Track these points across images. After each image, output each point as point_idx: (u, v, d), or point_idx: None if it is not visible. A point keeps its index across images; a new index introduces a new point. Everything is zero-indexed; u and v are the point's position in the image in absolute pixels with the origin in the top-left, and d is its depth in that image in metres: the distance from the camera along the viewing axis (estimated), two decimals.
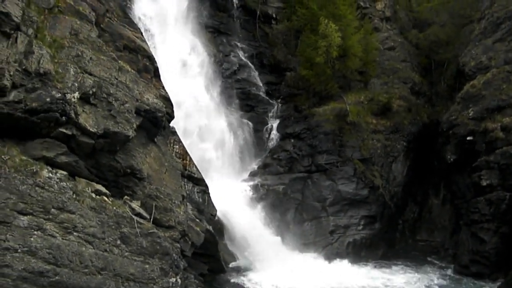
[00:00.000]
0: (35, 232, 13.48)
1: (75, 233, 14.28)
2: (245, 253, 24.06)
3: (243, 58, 31.63)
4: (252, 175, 28.13)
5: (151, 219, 16.79)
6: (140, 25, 23.63)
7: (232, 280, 22.03)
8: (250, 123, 29.91)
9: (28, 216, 13.48)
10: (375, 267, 25.76)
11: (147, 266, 15.62)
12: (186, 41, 28.47)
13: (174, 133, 21.34)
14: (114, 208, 15.55)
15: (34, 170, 14.18)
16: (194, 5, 30.07)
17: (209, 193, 21.62)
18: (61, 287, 13.49)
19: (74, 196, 14.68)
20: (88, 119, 15.64)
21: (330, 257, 25.37)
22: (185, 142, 22.17)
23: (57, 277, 13.46)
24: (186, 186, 20.29)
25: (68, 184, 14.75)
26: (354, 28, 31.38)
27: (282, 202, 26.95)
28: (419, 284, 23.11)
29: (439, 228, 29.86)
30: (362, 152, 29.07)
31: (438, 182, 30.52)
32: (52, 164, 15.00)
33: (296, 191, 27.59)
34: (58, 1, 16.94)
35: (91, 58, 16.40)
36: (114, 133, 16.17)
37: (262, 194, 26.69)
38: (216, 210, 21.79)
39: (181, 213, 18.19)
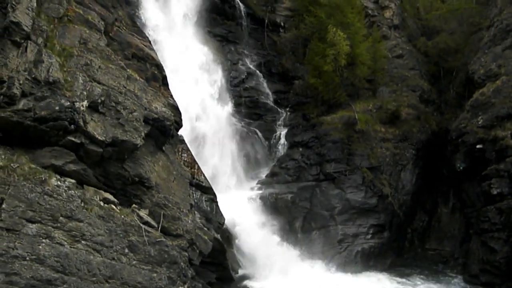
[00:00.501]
0: (44, 240, 13.49)
1: (83, 242, 14.27)
2: (254, 262, 23.94)
3: (251, 66, 31.69)
4: (260, 183, 28.05)
5: (159, 228, 16.77)
6: (148, 34, 23.73)
7: None
8: (258, 131, 29.88)
9: (36, 224, 13.50)
10: (384, 276, 25.53)
11: (155, 274, 15.57)
12: (194, 50, 28.56)
13: (182, 141, 21.36)
14: (122, 216, 15.54)
15: (43, 178, 14.22)
16: (203, 13, 30.20)
17: (217, 202, 21.58)
18: None
19: (82, 205, 14.69)
20: (97, 128, 15.69)
21: (338, 266, 25.18)
22: (193, 150, 22.17)
23: (65, 286, 13.45)
24: (194, 195, 20.27)
25: (76, 192, 14.77)
26: (363, 36, 31.38)
27: (290, 210, 26.83)
28: None
29: (449, 237, 29.58)
30: (371, 161, 28.92)
31: (448, 191, 30.27)
32: (61, 172, 15.04)
33: (304, 200, 27.46)
34: (68, 10, 17.07)
35: (99, 66, 16.49)
36: (122, 141, 16.20)
37: (270, 203, 26.59)
38: (224, 219, 21.74)
39: (189, 221, 18.15)
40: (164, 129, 18.41)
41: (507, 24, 28.29)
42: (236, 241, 23.87)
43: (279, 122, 31.11)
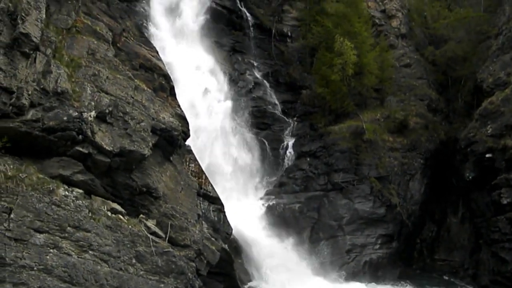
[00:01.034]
0: (51, 250, 13.49)
1: (90, 252, 14.26)
2: (261, 272, 23.80)
3: (258, 76, 31.72)
4: (268, 193, 27.97)
5: (167, 238, 16.74)
6: (155, 44, 23.85)
7: None
8: (265, 141, 29.84)
9: (44, 234, 13.51)
10: (392, 287, 25.29)
11: (162, 285, 15.52)
12: (201, 60, 28.66)
13: (189, 151, 21.36)
14: (130, 226, 15.53)
15: (51, 188, 14.25)
16: (210, 24, 30.33)
17: (224, 212, 21.52)
18: None
19: (90, 215, 14.70)
20: (104, 138, 15.73)
21: (346, 277, 24.99)
22: (200, 160, 22.17)
23: None
24: (201, 205, 20.23)
25: (84, 202, 14.79)
26: (370, 46, 31.37)
27: (298, 221, 26.72)
28: None
29: (458, 247, 29.30)
30: (379, 170, 28.79)
31: (457, 200, 30.03)
32: (69, 182, 15.09)
33: (312, 210, 27.35)
34: (76, 21, 17.21)
35: (107, 77, 16.58)
36: (130, 151, 16.23)
37: (278, 213, 26.49)
38: (231, 229, 21.67)
39: (197, 232, 18.10)
40: (172, 139, 18.43)
41: None
42: (244, 251, 23.75)
43: (287, 132, 31.05)
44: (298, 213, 26.98)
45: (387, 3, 36.50)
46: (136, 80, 17.89)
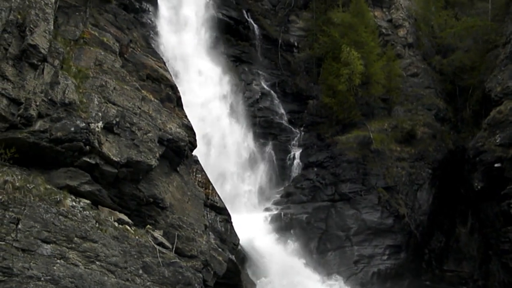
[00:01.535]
0: (58, 261, 13.47)
1: (97, 262, 14.22)
2: (268, 283, 23.66)
3: (265, 86, 31.76)
4: (275, 204, 27.88)
5: (174, 249, 16.69)
6: (162, 55, 23.98)
7: None
8: (272, 151, 29.80)
9: (51, 245, 13.50)
10: None
11: None
12: (208, 70, 28.76)
13: (196, 162, 21.36)
14: (137, 237, 15.50)
15: (58, 199, 14.27)
16: (216, 35, 30.47)
17: (231, 222, 21.46)
18: None
19: (97, 225, 14.68)
20: (112, 148, 15.77)
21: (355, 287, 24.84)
22: (207, 170, 22.16)
23: None
24: (208, 215, 20.19)
25: (91, 213, 14.79)
26: (377, 55, 31.35)
27: (305, 231, 26.59)
28: None
29: (468, 258, 29.01)
30: (387, 180, 28.64)
31: (465, 211, 29.79)
32: (76, 193, 15.11)
33: (320, 220, 27.22)
34: (84, 32, 17.35)
35: (114, 88, 16.65)
36: (137, 162, 16.25)
37: (285, 223, 26.38)
38: (238, 240, 21.58)
39: (204, 242, 18.04)
40: (179, 150, 18.45)
41: None
42: (251, 262, 23.64)
43: (294, 142, 31.00)
44: (306, 224, 26.85)
45: (393, 13, 36.53)
46: (143, 91, 17.96)
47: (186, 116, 20.85)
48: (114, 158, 15.69)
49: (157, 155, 16.97)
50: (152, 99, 18.15)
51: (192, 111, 23.44)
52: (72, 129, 14.93)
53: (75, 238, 13.96)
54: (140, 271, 15.07)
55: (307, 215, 27.15)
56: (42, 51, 14.99)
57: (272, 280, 23.07)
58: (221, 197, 21.75)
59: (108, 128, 15.92)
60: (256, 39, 32.80)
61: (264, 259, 23.60)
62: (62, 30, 16.92)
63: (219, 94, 28.71)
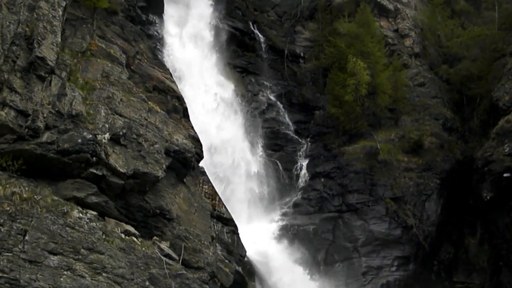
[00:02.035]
0: (65, 272, 13.46)
1: (104, 274, 14.19)
2: None
3: (271, 97, 31.76)
4: (282, 215, 27.74)
5: (180, 260, 16.63)
6: (169, 66, 24.07)
7: None
8: (279, 162, 29.72)
9: (58, 256, 13.50)
10: None
11: None
12: (215, 81, 28.84)
13: (203, 173, 21.34)
14: (143, 249, 15.47)
15: (65, 210, 14.31)
16: (223, 46, 30.58)
17: (238, 234, 21.38)
18: None
19: (104, 237, 14.68)
20: (118, 160, 15.80)
21: None
22: (213, 181, 22.13)
23: None
24: (215, 227, 20.12)
25: (98, 224, 14.79)
26: (383, 65, 31.28)
27: (312, 242, 26.41)
28: None
29: (478, 269, 28.65)
30: (394, 191, 28.44)
31: (474, 221, 29.48)
32: (83, 204, 15.14)
33: (327, 231, 27.04)
34: (91, 44, 17.48)
35: (121, 99, 16.74)
36: (143, 173, 16.28)
37: (292, 235, 26.23)
38: (245, 251, 21.48)
39: (210, 254, 17.97)
40: (185, 161, 18.46)
41: None
42: (258, 273, 23.50)
43: (300, 153, 30.89)
44: (313, 235, 26.68)
45: (399, 23, 36.50)
46: (149, 102, 18.04)
47: (192, 127, 20.89)
48: (120, 170, 15.72)
49: (164, 166, 16.99)
50: (159, 110, 18.22)
51: (198, 120, 23.50)
52: (79, 140, 14.99)
53: (82, 250, 13.95)
54: (147, 283, 15.01)
55: (314, 226, 26.99)
56: (50, 63, 15.11)
57: None
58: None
59: (115, 140, 15.97)
60: (262, 50, 32.86)
61: (271, 271, 23.45)
62: (69, 42, 17.07)
63: (225, 104, 28.73)
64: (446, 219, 29.60)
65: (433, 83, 34.96)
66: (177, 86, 21.46)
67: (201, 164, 21.34)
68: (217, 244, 19.45)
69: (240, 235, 21.69)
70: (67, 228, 13.95)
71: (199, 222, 18.49)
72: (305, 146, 31.07)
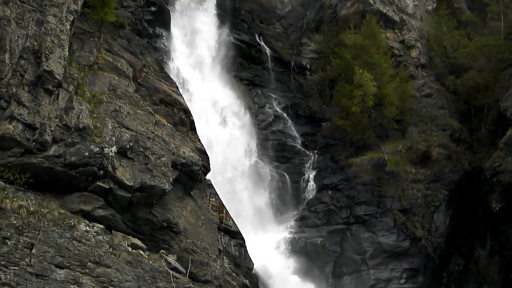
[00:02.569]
0: (72, 286, 13.41)
1: (111, 287, 14.13)
2: None
3: (278, 109, 31.78)
4: (289, 227, 27.59)
5: (187, 274, 16.55)
6: (175, 79, 24.15)
7: None
8: (286, 174, 29.64)
9: (65, 270, 13.46)
10: None
11: None
12: (222, 94, 28.90)
13: (210, 185, 21.29)
14: (150, 262, 15.40)
15: (72, 224, 14.29)
16: (229, 58, 30.70)
17: (245, 247, 21.26)
18: None
19: (111, 250, 14.63)
20: (125, 173, 15.80)
21: None
22: (220, 193, 22.07)
23: None
24: (222, 240, 20.03)
25: (104, 237, 14.76)
26: (389, 76, 31.26)
27: (320, 255, 26.24)
28: None
29: (488, 281, 28.30)
30: (402, 202, 28.25)
31: (484, 232, 29.17)
32: (90, 217, 15.12)
33: (335, 244, 26.85)
34: (98, 58, 17.58)
35: (128, 112, 16.79)
36: (150, 186, 16.27)
37: (299, 247, 26.08)
38: (253, 264, 21.34)
39: (218, 267, 17.87)
40: (192, 174, 18.44)
41: None
42: (265, 286, 23.32)
43: (307, 165, 30.80)
44: (320, 247, 26.51)
45: (405, 34, 36.56)
46: (156, 115, 18.08)
47: (199, 140, 20.89)
48: (127, 183, 15.72)
49: (171, 179, 16.98)
50: (166, 123, 18.26)
51: (203, 133, 23.50)
52: (86, 153, 15.02)
53: (89, 263, 13.90)
54: None
55: (322, 239, 26.82)
56: (57, 76, 15.21)
57: None
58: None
59: (122, 153, 15.99)
60: (269, 62, 32.94)
61: (278, 284, 23.28)
62: (77, 56, 17.18)
63: (232, 117, 28.77)
64: (455, 230, 29.33)
65: (440, 93, 34.88)
66: (183, 99, 21.52)
67: (207, 176, 21.35)
68: (224, 257, 19.34)
69: (247, 248, 21.58)
70: (74, 242, 13.92)
71: (206, 235, 18.42)
72: (312, 158, 30.99)
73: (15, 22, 15.85)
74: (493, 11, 34.63)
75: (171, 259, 16.44)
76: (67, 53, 16.09)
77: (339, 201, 28.47)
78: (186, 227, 17.59)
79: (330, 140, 31.99)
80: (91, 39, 18.70)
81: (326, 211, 28.20)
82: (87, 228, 14.66)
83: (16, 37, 15.63)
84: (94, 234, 14.62)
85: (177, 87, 22.21)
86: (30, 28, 16.02)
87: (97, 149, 15.26)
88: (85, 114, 15.56)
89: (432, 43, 36.91)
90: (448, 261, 29.22)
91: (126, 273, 14.55)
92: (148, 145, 16.70)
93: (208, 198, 20.51)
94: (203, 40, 30.22)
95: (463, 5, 42.13)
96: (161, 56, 25.36)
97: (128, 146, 16.05)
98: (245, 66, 31.95)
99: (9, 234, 13.07)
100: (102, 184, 15.33)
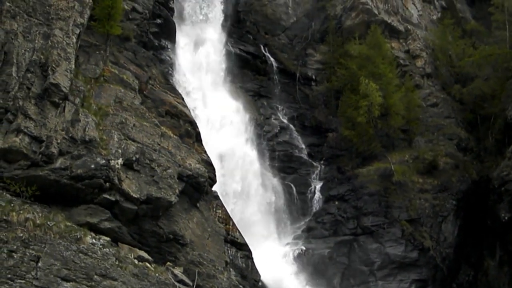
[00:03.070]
0: None
1: None
2: None
3: (284, 120, 31.77)
4: (296, 239, 27.45)
5: (194, 286, 16.47)
6: (181, 90, 24.22)
7: None
8: (292, 185, 29.56)
9: (71, 283, 13.40)
10: None
11: None
12: (228, 105, 28.95)
13: (216, 197, 21.25)
14: (157, 274, 15.33)
15: (78, 236, 14.26)
16: (235, 69, 30.78)
17: (252, 258, 21.16)
18: None
19: (117, 263, 14.57)
20: (131, 185, 15.80)
21: None
22: (227, 205, 22.01)
23: None
24: (229, 251, 19.94)
25: (111, 250, 14.71)
26: (395, 86, 31.21)
27: (327, 266, 26.06)
28: None
29: None
30: (410, 213, 28.07)
31: (493, 242, 28.88)
32: (96, 230, 15.10)
33: (342, 255, 26.67)
34: (104, 70, 17.67)
35: (134, 124, 16.82)
36: (157, 198, 16.25)
37: (306, 259, 25.91)
38: (260, 276, 21.21)
39: (224, 279, 17.77)
40: (198, 186, 18.41)
41: None
42: None
43: (314, 176, 30.72)
44: (328, 259, 26.33)
45: (410, 43, 36.56)
46: (162, 127, 18.11)
47: (205, 152, 20.89)
48: (134, 195, 15.71)
49: (177, 191, 16.96)
50: (172, 135, 18.28)
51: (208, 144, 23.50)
52: (93, 166, 15.03)
53: (95, 276, 13.84)
54: None
55: (329, 250, 26.65)
56: (64, 89, 15.28)
57: None
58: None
59: (128, 165, 16.00)
60: (274, 73, 32.99)
61: None
62: (83, 69, 17.27)
63: (238, 128, 28.80)
64: (464, 240, 29.09)
65: (446, 103, 34.77)
66: (189, 111, 21.57)
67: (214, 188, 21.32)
68: (231, 269, 19.25)
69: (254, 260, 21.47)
70: (80, 254, 13.88)
71: (213, 247, 18.34)
72: (319, 169, 30.92)
73: (22, 35, 15.98)
74: (498, 20, 34.64)
75: (178, 271, 16.36)
76: (73, 66, 16.18)
77: (346, 212, 28.33)
78: (193, 239, 17.53)
79: (337, 151, 31.92)
80: (97, 52, 18.82)
81: (333, 222, 28.06)
82: (93, 240, 14.63)
83: (23, 50, 15.75)
84: (100, 246, 14.57)
85: (183, 99, 22.27)
86: (37, 41, 16.14)
87: (103, 161, 15.28)
88: (91, 126, 15.60)
89: (437, 52, 36.87)
90: (457, 272, 28.94)
91: (132, 285, 14.48)
92: (154, 157, 16.71)
93: (214, 209, 20.46)
94: (208, 52, 30.33)
95: (467, 14, 42.13)
96: (166, 68, 25.46)
97: (134, 158, 16.06)
98: (251, 77, 32.02)
99: (15, 247, 13.05)
100: (108, 197, 15.33)
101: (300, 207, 29.15)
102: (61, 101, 15.49)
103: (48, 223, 14.05)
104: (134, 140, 16.52)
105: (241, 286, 19.51)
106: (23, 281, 12.64)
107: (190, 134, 20.78)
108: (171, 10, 28.83)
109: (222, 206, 21.18)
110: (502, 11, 34.46)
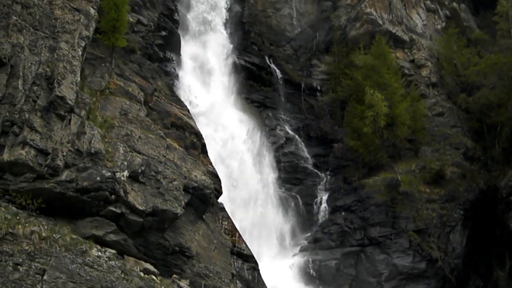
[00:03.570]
0: None
1: None
2: None
3: (289, 131, 31.72)
4: (303, 250, 27.27)
5: None
6: (186, 102, 24.25)
7: None
8: (298, 196, 29.44)
9: None
10: None
11: None
12: (233, 117, 28.96)
13: (222, 209, 21.16)
14: (163, 287, 15.20)
15: (84, 249, 14.19)
16: (240, 81, 30.83)
17: (259, 270, 21.01)
18: None
19: (123, 275, 14.47)
20: (137, 197, 15.76)
21: None
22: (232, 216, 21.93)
23: None
24: (235, 263, 19.81)
25: (116, 263, 14.62)
26: (401, 96, 31.15)
27: (334, 278, 25.83)
28: None
29: None
30: (417, 223, 27.83)
31: (502, 252, 28.58)
32: (101, 242, 15.03)
33: (349, 266, 26.45)
34: (109, 83, 17.72)
35: (140, 136, 16.82)
36: (162, 211, 16.20)
37: (313, 270, 25.70)
38: None
39: None
40: (204, 198, 18.35)
41: None
42: None
43: (320, 187, 30.59)
44: (335, 270, 26.10)
45: (415, 53, 36.56)
46: (168, 139, 18.10)
47: (211, 163, 20.85)
48: (139, 207, 15.67)
49: (183, 203, 16.90)
50: (177, 147, 18.27)
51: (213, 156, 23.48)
52: (98, 178, 15.02)
53: None
54: None
55: (336, 261, 26.44)
56: (69, 102, 15.32)
57: None
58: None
59: (134, 177, 15.98)
60: (279, 84, 33.04)
61: None
62: (89, 81, 17.33)
63: (242, 140, 28.78)
64: (472, 251, 28.79)
65: (452, 112, 34.65)
66: (195, 122, 21.57)
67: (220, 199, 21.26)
68: (237, 281, 19.11)
69: (260, 272, 21.32)
70: (86, 267, 13.80)
71: (219, 259, 18.22)
72: (325, 179, 30.79)
73: (28, 49, 16.07)
74: (502, 28, 34.62)
75: (184, 283, 16.25)
76: (79, 79, 16.24)
77: (353, 223, 28.12)
78: (199, 251, 17.44)
79: (342, 161, 31.81)
80: (103, 64, 18.90)
81: (339, 233, 27.86)
82: (99, 253, 14.56)
83: (29, 63, 15.83)
84: (106, 259, 14.49)
85: (188, 111, 22.29)
86: (43, 54, 16.23)
87: (109, 173, 15.26)
88: (97, 138, 15.61)
89: (442, 61, 36.85)
90: (466, 282, 28.60)
91: None
92: (159, 169, 16.68)
93: (220, 221, 20.37)
94: (213, 64, 30.43)
95: (472, 23, 42.17)
96: (171, 80, 25.53)
97: (139, 170, 16.04)
98: (256, 88, 32.05)
99: (21, 260, 12.99)
100: (114, 209, 15.29)
101: (306, 218, 29.00)
102: (67, 114, 15.52)
103: (54, 235, 14.00)
104: (139, 152, 16.51)
105: None
106: None
107: (196, 145, 20.77)
108: (176, 22, 28.98)
109: (228, 217, 21.10)
110: (506, 20, 34.44)
